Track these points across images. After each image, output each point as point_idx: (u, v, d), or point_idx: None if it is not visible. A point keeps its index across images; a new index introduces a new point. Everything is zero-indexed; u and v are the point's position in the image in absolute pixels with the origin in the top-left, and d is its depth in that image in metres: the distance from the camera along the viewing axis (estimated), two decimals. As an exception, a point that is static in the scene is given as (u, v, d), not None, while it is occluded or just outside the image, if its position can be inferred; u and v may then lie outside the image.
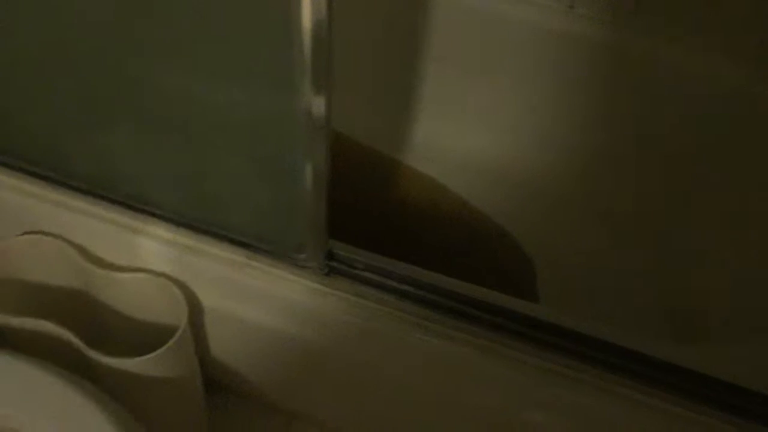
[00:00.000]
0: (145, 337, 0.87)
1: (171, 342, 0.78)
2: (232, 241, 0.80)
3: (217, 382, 1.00)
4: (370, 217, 1.29)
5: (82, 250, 0.84)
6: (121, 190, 0.82)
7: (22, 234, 0.85)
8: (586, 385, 0.74)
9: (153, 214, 0.82)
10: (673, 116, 1.14)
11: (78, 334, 0.78)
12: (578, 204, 1.30)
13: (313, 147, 0.66)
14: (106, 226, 0.83)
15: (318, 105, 0.62)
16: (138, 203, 0.82)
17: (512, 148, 1.33)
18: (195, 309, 0.85)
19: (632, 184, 1.25)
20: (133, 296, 0.84)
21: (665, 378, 0.73)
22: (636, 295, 1.17)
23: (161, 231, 0.81)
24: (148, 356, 0.76)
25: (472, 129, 1.35)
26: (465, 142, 1.36)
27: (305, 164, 0.68)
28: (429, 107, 1.36)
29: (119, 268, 0.84)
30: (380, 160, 1.37)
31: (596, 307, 1.16)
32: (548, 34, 1.21)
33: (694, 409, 0.72)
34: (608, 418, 0.74)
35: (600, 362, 0.74)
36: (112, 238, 0.83)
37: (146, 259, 0.83)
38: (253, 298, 0.82)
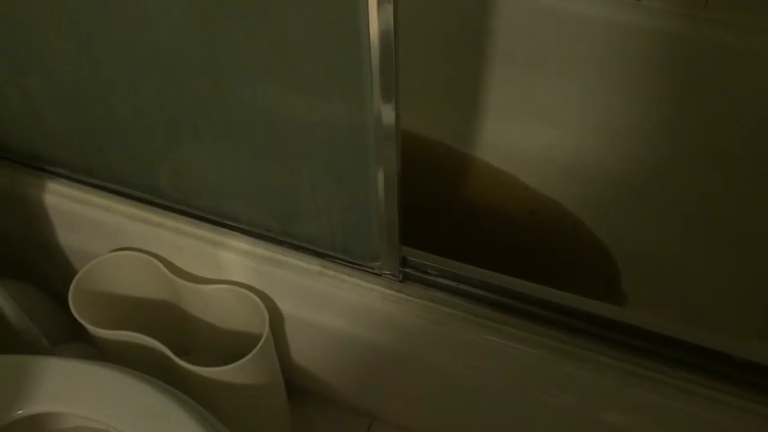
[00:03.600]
0: (230, 345, 0.91)
1: (255, 350, 0.81)
2: (307, 251, 0.83)
3: (298, 387, 1.03)
4: (443, 213, 1.31)
5: (169, 264, 0.88)
6: (201, 205, 0.86)
7: (114, 250, 0.90)
8: (665, 386, 0.73)
9: (231, 227, 0.85)
10: (745, 106, 1.11)
11: (167, 344, 0.82)
12: (655, 196, 1.28)
13: (383, 155, 0.68)
14: (189, 241, 0.87)
15: (387, 113, 0.64)
16: (217, 217, 0.86)
17: (583, 142, 1.33)
18: (275, 317, 0.88)
19: (707, 176, 1.22)
20: (217, 307, 0.88)
21: (747, 377, 0.72)
22: (721, 290, 1.15)
23: (240, 243, 0.85)
24: (234, 365, 0.80)
25: (541, 125, 1.35)
26: (535, 138, 1.36)
27: (377, 173, 0.70)
28: (499, 105, 1.37)
29: (203, 280, 0.88)
30: (451, 156, 1.39)
31: (680, 301, 1.15)
32: (615, 27, 1.19)
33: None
34: (688, 419, 0.73)
35: (678, 362, 0.73)
36: (196, 252, 0.87)
37: (228, 271, 0.87)
38: (330, 306, 0.84)
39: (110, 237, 0.91)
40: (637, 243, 1.25)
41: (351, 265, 0.82)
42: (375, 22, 0.57)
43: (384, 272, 0.81)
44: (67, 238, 0.96)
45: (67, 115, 0.84)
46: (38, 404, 0.67)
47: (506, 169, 1.37)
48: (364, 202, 0.74)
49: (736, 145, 1.17)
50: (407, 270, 0.81)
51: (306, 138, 0.72)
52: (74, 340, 0.98)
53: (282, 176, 0.78)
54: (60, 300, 0.95)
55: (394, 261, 0.79)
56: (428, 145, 1.41)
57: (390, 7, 0.56)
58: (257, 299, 0.84)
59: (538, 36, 1.25)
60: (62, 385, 0.69)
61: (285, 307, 0.87)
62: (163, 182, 0.86)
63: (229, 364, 0.80)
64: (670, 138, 1.24)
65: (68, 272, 0.94)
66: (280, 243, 0.84)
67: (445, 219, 1.32)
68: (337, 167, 0.73)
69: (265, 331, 0.83)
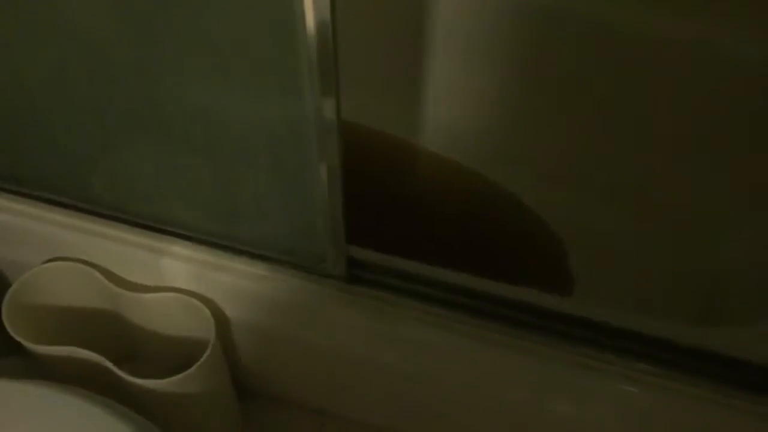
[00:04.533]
0: (178, 353, 0.89)
1: (201, 360, 0.79)
2: (251, 255, 0.81)
3: (250, 389, 1.01)
4: (391, 202, 1.31)
5: (108, 274, 0.85)
6: (138, 211, 0.83)
7: (48, 261, 0.86)
8: (611, 375, 0.74)
9: (172, 233, 0.83)
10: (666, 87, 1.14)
11: (110, 357, 0.79)
12: (592, 180, 1.30)
13: (325, 151, 0.66)
14: (128, 249, 0.84)
15: (328, 107, 0.61)
16: (156, 223, 0.83)
17: (519, 125, 1.34)
18: (222, 322, 0.86)
19: (642, 161, 1.24)
20: (162, 315, 0.86)
21: (692, 363, 0.73)
22: (659, 276, 1.17)
23: (181, 249, 0.83)
24: (180, 375, 0.77)
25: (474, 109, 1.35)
26: (471, 121, 1.36)
27: (319, 170, 0.67)
28: (436, 92, 1.37)
29: (145, 289, 0.85)
30: (393, 143, 1.38)
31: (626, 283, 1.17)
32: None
33: (722, 392, 0.72)
34: (637, 406, 0.75)
35: (626, 351, 0.75)
36: (136, 260, 0.84)
37: (171, 278, 0.84)
38: (277, 310, 0.83)
39: (44, 247, 0.87)
40: (581, 225, 1.27)
41: (297, 267, 0.80)
42: (311, 12, 0.55)
43: (331, 273, 0.79)
44: (-3, 249, 0.91)
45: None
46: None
47: (446, 155, 1.37)
48: (308, 201, 0.72)
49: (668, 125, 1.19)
50: (355, 271, 0.80)
51: (244, 136, 0.69)
52: (10, 355, 0.94)
53: (221, 177, 0.75)
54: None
55: (340, 262, 0.78)
56: (371, 134, 1.40)
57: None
58: (202, 306, 0.82)
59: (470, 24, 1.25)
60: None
61: (231, 312, 0.85)
62: (97, 188, 0.83)
63: (179, 372, 0.78)
64: (603, 121, 1.25)
65: (1, 285, 0.90)
66: (223, 247, 0.82)
67: (393, 208, 1.31)
68: (278, 165, 0.71)
69: (212, 338, 0.81)
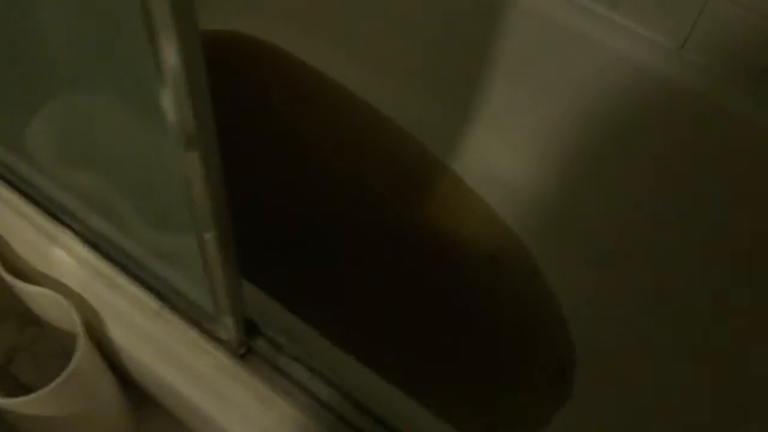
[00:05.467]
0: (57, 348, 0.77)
1: (56, 381, 0.66)
2: (145, 284, 0.67)
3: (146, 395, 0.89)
4: (399, 224, 1.14)
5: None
6: (43, 193, 0.69)
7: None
8: None
9: (69, 226, 0.69)
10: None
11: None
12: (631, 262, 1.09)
13: (187, 166, 0.44)
14: (24, 224, 0.71)
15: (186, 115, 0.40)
16: (54, 208, 0.69)
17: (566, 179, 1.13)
18: (103, 337, 0.73)
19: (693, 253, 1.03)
20: (41, 309, 0.73)
21: None
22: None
23: (76, 246, 0.69)
24: (35, 395, 0.65)
25: (525, 150, 1.15)
26: (516, 162, 1.16)
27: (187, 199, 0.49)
28: (487, 117, 1.17)
29: (31, 272, 0.73)
30: (423, 160, 1.20)
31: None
32: (649, 74, 0.97)
33: None
34: None
35: None
36: (30, 240, 0.71)
37: (60, 272, 0.71)
38: (163, 354, 0.68)
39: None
40: (600, 319, 1.07)
41: (189, 317, 0.65)
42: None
43: (223, 337, 0.64)
44: None
45: None
46: None
47: (477, 191, 1.18)
48: (186, 246, 0.55)
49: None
50: (254, 342, 0.64)
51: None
52: None
53: (107, 183, 0.60)
54: None
55: (233, 328, 0.62)
56: (401, 139, 1.21)
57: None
58: (75, 315, 0.68)
59: (547, 58, 1.03)
60: None
61: (116, 334, 0.71)
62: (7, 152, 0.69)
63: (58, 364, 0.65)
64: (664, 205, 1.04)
65: None
66: (118, 264, 0.68)
67: (400, 232, 1.14)
68: (147, 184, 0.55)
69: (76, 358, 0.67)
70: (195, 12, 0.35)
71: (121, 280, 0.68)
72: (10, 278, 0.70)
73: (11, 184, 0.71)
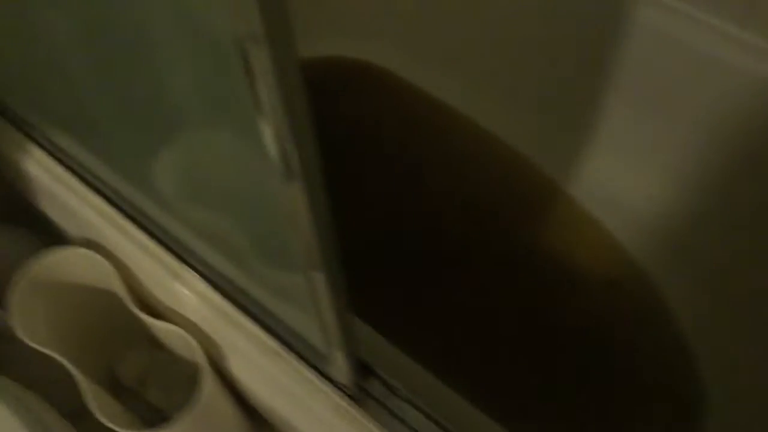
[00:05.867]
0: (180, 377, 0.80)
1: (181, 418, 0.69)
2: (265, 326, 0.68)
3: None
4: (513, 247, 1.11)
5: (128, 274, 0.77)
6: (168, 232, 0.72)
7: (80, 246, 0.79)
8: None
9: (190, 265, 0.72)
10: None
11: (102, 374, 0.71)
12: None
13: (290, 203, 0.44)
14: (151, 260, 0.74)
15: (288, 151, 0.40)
16: (179, 248, 0.72)
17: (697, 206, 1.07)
18: (224, 368, 0.76)
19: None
20: (165, 341, 0.77)
21: None
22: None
23: (198, 283, 0.72)
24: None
25: (651, 174, 1.10)
26: (640, 188, 1.11)
27: (294, 237, 0.48)
28: (608, 142, 1.12)
29: (157, 306, 0.76)
30: (538, 182, 1.17)
31: None
32: None
33: None
34: None
35: None
36: (156, 275, 0.75)
37: (184, 306, 0.74)
38: (281, 390, 0.70)
39: (80, 226, 0.80)
40: (733, 355, 1.01)
41: (305, 358, 0.67)
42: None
43: (337, 378, 0.65)
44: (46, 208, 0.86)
45: (54, 91, 0.71)
46: None
47: (595, 214, 1.13)
48: (298, 285, 0.55)
49: None
50: (371, 384, 0.65)
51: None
52: None
53: (220, 220, 0.62)
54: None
55: (345, 370, 0.63)
56: (516, 162, 1.19)
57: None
58: (201, 355, 0.71)
59: (671, 79, 0.98)
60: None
61: (236, 368, 0.74)
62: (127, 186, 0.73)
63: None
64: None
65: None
66: (237, 302, 0.70)
67: (514, 258, 1.12)
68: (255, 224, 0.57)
69: (203, 394, 0.70)
70: (294, 47, 0.35)
71: (240, 318, 0.70)
72: (139, 313, 0.74)
73: (139, 224, 0.75)
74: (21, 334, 0.71)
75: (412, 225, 1.14)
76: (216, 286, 0.71)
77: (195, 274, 0.72)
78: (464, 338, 1.04)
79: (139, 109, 0.58)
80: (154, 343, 0.89)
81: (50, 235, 0.91)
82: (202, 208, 0.64)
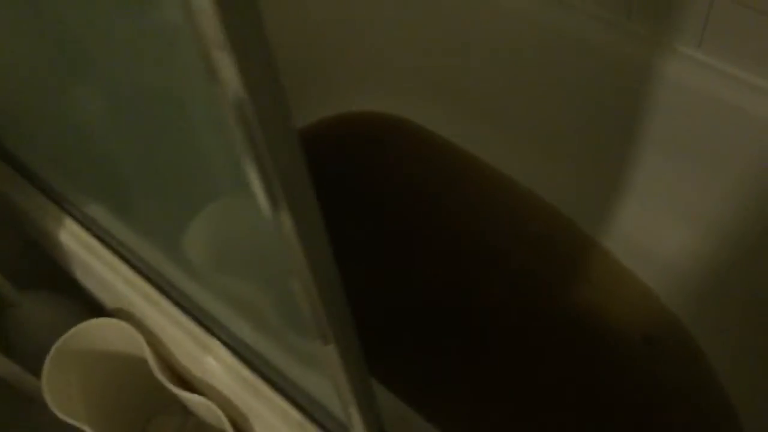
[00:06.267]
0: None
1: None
2: (289, 397, 0.69)
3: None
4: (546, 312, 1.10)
5: (159, 346, 0.78)
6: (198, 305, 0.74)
7: (114, 315, 0.81)
8: None
9: (217, 336, 0.73)
10: None
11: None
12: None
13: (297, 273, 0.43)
14: (180, 333, 0.76)
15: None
16: (209, 323, 0.73)
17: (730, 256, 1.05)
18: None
19: None
20: (193, 408, 0.77)
21: None
22: None
23: (224, 354, 0.73)
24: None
25: (683, 225, 1.08)
26: (674, 240, 1.09)
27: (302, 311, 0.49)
28: (640, 192, 1.11)
29: (187, 377, 0.77)
30: (573, 236, 1.16)
31: None
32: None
33: None
34: None
35: None
36: (187, 349, 0.76)
37: (213, 377, 0.75)
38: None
39: (112, 295, 0.82)
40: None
41: (326, 430, 0.67)
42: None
43: (360, 456, 0.65)
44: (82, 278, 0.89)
45: (82, 165, 0.74)
46: None
47: (630, 267, 1.12)
48: (313, 355, 0.55)
49: None
50: (395, 457, 0.64)
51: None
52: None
53: (244, 290, 0.63)
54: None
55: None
56: (548, 214, 1.18)
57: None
58: (227, 425, 0.72)
59: (705, 130, 0.97)
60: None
61: (263, 438, 0.74)
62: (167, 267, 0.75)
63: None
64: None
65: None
66: (262, 374, 0.71)
67: (545, 313, 1.11)
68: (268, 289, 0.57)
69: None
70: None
71: (266, 389, 0.70)
72: (167, 383, 0.75)
73: (168, 295, 0.76)
74: (51, 405, 0.73)
75: (447, 284, 1.14)
76: (243, 358, 0.72)
77: (222, 345, 0.73)
78: (496, 400, 1.03)
79: (164, 177, 0.59)
80: (186, 407, 0.90)
81: (90, 304, 0.93)
82: (225, 273, 0.65)
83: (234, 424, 0.75)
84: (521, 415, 1.01)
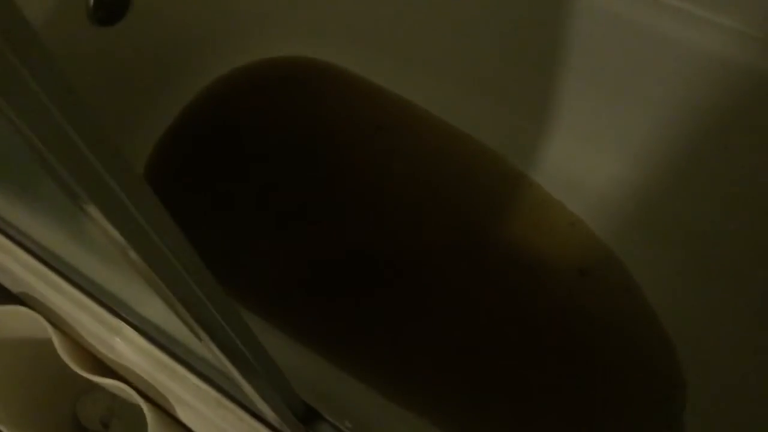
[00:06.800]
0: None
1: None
2: (203, 376, 0.66)
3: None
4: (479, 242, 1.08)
5: (69, 331, 0.74)
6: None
7: (12, 303, 0.77)
8: None
9: (127, 321, 0.69)
10: None
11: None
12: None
13: None
14: (87, 317, 0.72)
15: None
16: (115, 305, 0.70)
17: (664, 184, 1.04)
18: (175, 416, 0.73)
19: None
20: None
21: None
22: None
23: (136, 337, 0.69)
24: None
25: (612, 154, 1.07)
26: (602, 169, 1.08)
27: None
28: (568, 123, 1.09)
29: (101, 360, 0.74)
30: (501, 170, 1.14)
31: None
32: (736, 67, 0.87)
33: None
34: None
35: None
36: (93, 330, 0.72)
37: (125, 359, 0.71)
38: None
39: (13, 282, 0.77)
40: (709, 337, 0.98)
41: (246, 408, 0.64)
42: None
43: (282, 429, 0.62)
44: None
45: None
46: None
47: (561, 200, 1.10)
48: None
49: None
50: (320, 428, 0.62)
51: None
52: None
53: None
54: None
55: (281, 419, 0.60)
56: (477, 152, 1.15)
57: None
58: (144, 408, 0.69)
59: (629, 60, 0.95)
60: None
61: (185, 418, 0.72)
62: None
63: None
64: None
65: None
66: (176, 357, 0.67)
67: (479, 251, 1.09)
68: None
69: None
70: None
71: (179, 369, 0.67)
72: (77, 369, 0.71)
73: (68, 278, 0.72)
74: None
75: (373, 228, 1.11)
76: (152, 339, 0.68)
77: (129, 327, 0.69)
78: (430, 343, 1.02)
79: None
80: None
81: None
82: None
83: (154, 403, 0.72)
84: (455, 357, 1.00)
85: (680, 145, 0.99)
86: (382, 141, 1.19)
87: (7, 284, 0.81)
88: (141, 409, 0.83)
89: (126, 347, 0.70)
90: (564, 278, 1.06)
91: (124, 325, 0.70)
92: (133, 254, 0.33)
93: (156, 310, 0.66)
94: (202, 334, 0.41)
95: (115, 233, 0.30)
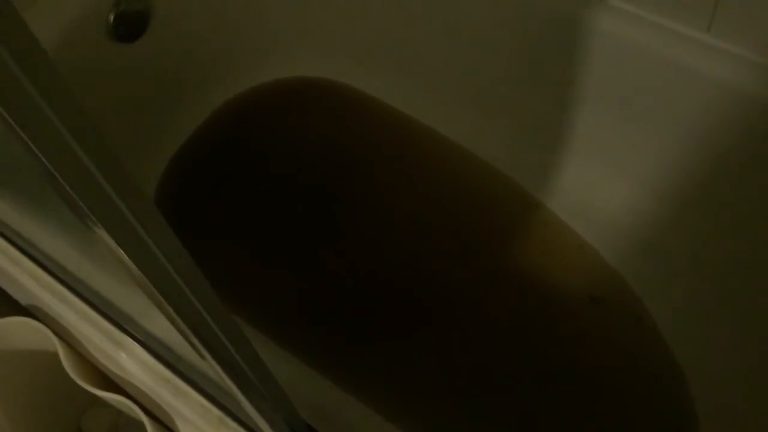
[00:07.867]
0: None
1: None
2: (207, 394, 0.66)
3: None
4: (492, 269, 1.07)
5: (75, 345, 0.74)
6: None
7: (19, 314, 0.77)
8: None
9: (132, 336, 0.69)
10: None
11: None
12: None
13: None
14: (94, 331, 0.72)
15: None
16: (121, 320, 0.70)
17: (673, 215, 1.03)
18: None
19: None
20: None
21: None
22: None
23: (141, 353, 0.69)
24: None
25: (625, 183, 1.06)
26: (615, 197, 1.07)
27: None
28: (581, 150, 1.08)
29: (104, 373, 0.74)
30: (515, 195, 1.13)
31: None
32: (752, 98, 0.87)
33: None
34: None
35: None
36: (99, 345, 0.72)
37: (130, 375, 0.71)
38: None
39: (22, 294, 0.78)
40: (721, 370, 0.97)
41: (247, 426, 0.64)
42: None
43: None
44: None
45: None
46: None
47: (574, 227, 1.09)
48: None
49: None
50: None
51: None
52: None
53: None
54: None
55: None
56: (490, 176, 1.15)
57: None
58: (147, 424, 0.69)
59: (641, 86, 0.94)
60: None
61: (186, 434, 0.71)
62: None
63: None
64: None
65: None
66: (180, 374, 0.67)
67: (489, 276, 1.08)
68: None
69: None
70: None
71: (183, 386, 0.67)
72: (81, 383, 0.71)
73: (76, 291, 0.72)
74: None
75: (385, 246, 1.11)
76: (157, 355, 0.68)
77: (135, 342, 0.69)
78: (441, 364, 1.01)
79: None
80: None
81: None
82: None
83: (157, 420, 0.72)
84: (461, 380, 0.99)
85: (693, 174, 0.98)
86: (393, 163, 1.19)
87: (17, 296, 0.81)
88: (144, 426, 0.83)
89: (130, 362, 0.70)
90: (575, 305, 1.05)
91: (130, 340, 0.70)
92: (138, 274, 0.33)
93: (161, 326, 0.66)
94: (205, 353, 0.41)
95: (123, 255, 0.31)
